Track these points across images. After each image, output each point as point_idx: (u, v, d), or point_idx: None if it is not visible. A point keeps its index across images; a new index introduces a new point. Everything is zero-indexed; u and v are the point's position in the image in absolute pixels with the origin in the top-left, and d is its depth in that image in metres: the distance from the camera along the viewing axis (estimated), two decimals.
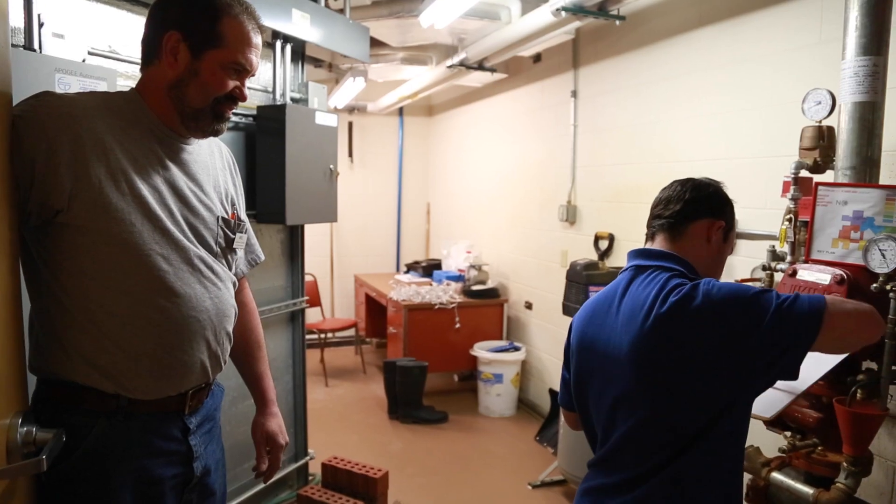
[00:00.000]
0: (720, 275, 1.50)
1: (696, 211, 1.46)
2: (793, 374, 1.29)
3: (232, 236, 1.49)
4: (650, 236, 1.50)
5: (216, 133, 1.42)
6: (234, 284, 1.52)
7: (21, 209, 1.21)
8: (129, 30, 2.37)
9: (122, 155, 1.28)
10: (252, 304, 1.74)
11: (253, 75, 1.42)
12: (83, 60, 2.18)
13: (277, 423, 1.69)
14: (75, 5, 2.20)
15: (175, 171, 1.37)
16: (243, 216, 1.59)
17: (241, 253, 1.59)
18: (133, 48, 2.36)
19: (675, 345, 1.30)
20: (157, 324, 1.31)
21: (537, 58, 4.85)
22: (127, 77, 2.33)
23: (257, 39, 1.39)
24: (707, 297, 1.28)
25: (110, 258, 1.26)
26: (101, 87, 2.16)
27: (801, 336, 1.26)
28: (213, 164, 1.51)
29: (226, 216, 1.48)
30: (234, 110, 1.43)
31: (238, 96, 1.39)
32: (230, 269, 1.51)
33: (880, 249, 1.78)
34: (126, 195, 1.26)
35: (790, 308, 1.27)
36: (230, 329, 1.48)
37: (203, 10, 1.32)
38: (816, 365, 1.59)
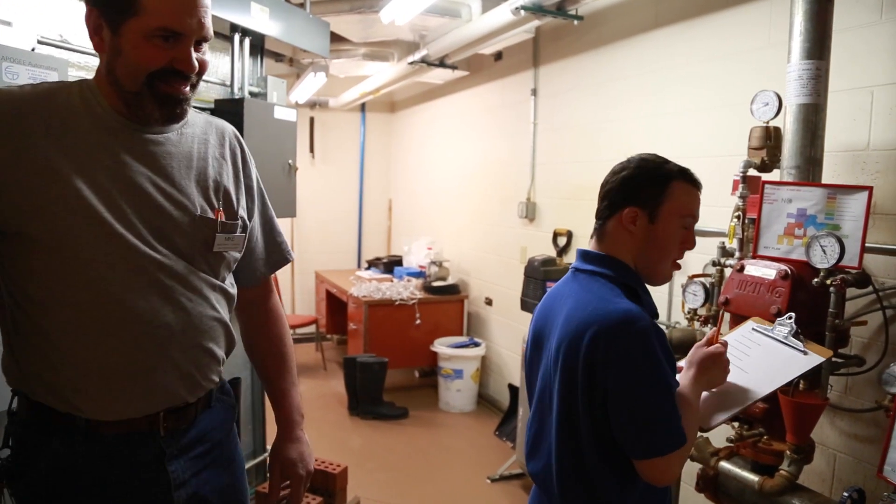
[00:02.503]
0: (666, 256, 1.41)
1: (610, 206, 1.41)
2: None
3: (214, 236, 1.27)
4: (591, 236, 1.49)
5: (174, 118, 1.22)
6: (221, 291, 1.31)
7: None
8: (81, 18, 2.32)
9: (59, 152, 1.12)
10: (276, 311, 1.54)
11: (204, 39, 1.18)
12: (32, 49, 2.13)
13: (299, 451, 1.47)
14: None
15: (134, 165, 1.17)
16: (244, 212, 1.36)
17: (234, 255, 1.35)
18: (85, 37, 2.30)
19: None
20: (106, 340, 1.15)
21: (498, 56, 4.89)
22: (79, 67, 2.28)
23: None
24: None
25: (50, 266, 1.12)
26: (52, 77, 2.11)
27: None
28: (201, 153, 1.29)
29: (208, 214, 1.26)
30: (190, 84, 1.20)
31: (184, 69, 1.15)
32: (216, 275, 1.30)
33: (821, 246, 1.85)
34: (62, 197, 1.11)
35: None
36: (211, 345, 1.28)
37: None
38: (770, 378, 1.60)
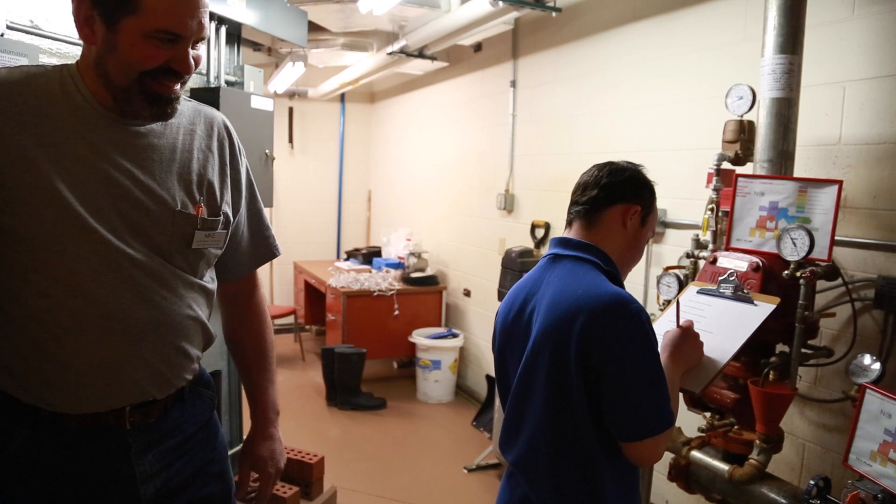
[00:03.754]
0: (637, 259, 1.51)
1: (612, 196, 1.44)
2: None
3: (193, 232, 1.23)
4: (568, 223, 1.50)
5: (163, 116, 1.18)
6: (198, 289, 1.28)
7: None
8: (53, 3, 2.28)
9: (33, 141, 1.09)
10: (259, 306, 1.52)
11: (202, 39, 1.16)
12: (1, 35, 2.09)
13: (271, 448, 1.46)
14: None
15: (112, 157, 1.15)
16: (228, 207, 1.33)
17: (214, 251, 1.32)
18: (56, 23, 2.26)
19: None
20: (74, 335, 1.14)
21: (478, 47, 4.88)
22: (51, 54, 2.24)
23: None
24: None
25: (21, 257, 1.10)
26: (22, 63, 2.08)
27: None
28: (186, 145, 1.25)
29: (188, 210, 1.23)
30: (181, 82, 1.17)
31: (180, 69, 1.13)
32: (195, 272, 1.27)
33: (792, 238, 1.88)
34: (35, 187, 1.08)
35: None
36: (185, 344, 1.26)
37: None
38: (734, 335, 1.65)
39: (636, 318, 1.29)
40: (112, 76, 1.12)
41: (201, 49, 1.19)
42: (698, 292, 1.86)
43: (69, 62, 1.19)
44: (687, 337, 1.52)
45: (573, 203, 1.49)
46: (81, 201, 1.12)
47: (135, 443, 1.22)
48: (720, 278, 1.82)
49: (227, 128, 1.37)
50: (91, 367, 1.16)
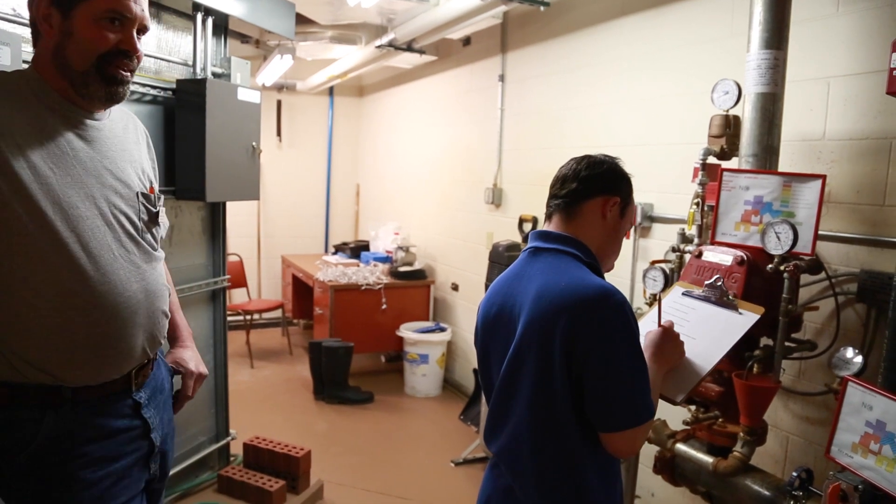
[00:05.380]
0: (617, 251, 1.52)
1: (591, 188, 1.45)
2: None
3: (154, 210, 1.45)
4: (548, 216, 1.51)
5: (116, 97, 1.34)
6: (160, 259, 1.49)
7: None
8: None
9: (25, 140, 1.22)
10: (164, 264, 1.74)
11: (144, 26, 1.34)
12: None
13: (191, 353, 1.68)
14: None
15: (86, 150, 1.32)
16: (157, 190, 1.55)
17: (164, 225, 1.56)
18: None
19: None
20: (86, 313, 1.27)
21: (467, 41, 4.88)
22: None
23: None
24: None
25: (25, 250, 1.22)
26: (4, 52, 2.05)
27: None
28: (126, 138, 1.46)
29: (145, 190, 1.44)
30: (130, 69, 1.34)
31: (128, 49, 1.31)
32: (156, 243, 1.48)
33: (776, 232, 1.90)
34: (33, 183, 1.21)
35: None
36: (164, 307, 1.46)
37: None
38: (718, 343, 1.66)
39: (619, 310, 1.30)
40: (71, 61, 1.28)
41: (143, 42, 1.37)
42: (683, 294, 1.86)
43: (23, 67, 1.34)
44: (668, 337, 1.54)
45: (552, 196, 1.50)
46: (73, 190, 1.27)
47: (141, 400, 1.42)
48: (706, 282, 1.82)
49: (142, 125, 1.60)
50: (105, 339, 1.31)
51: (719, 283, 1.78)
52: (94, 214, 1.30)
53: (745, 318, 1.70)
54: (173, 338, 1.71)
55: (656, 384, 1.46)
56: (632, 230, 3.15)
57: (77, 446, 1.30)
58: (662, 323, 1.56)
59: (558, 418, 1.34)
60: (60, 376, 1.28)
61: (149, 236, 1.44)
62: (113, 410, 1.37)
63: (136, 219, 1.39)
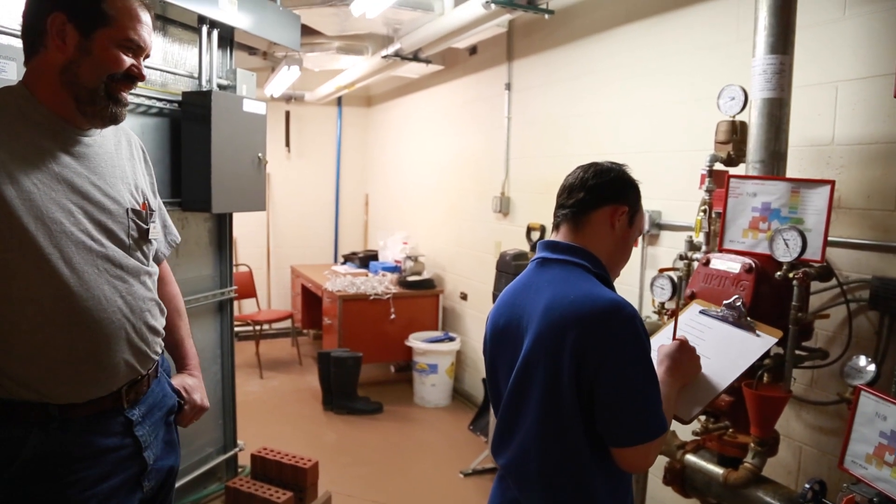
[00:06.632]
0: (626, 259, 1.50)
1: (599, 198, 1.43)
2: None
3: (146, 227, 1.46)
4: (556, 226, 1.49)
5: (115, 118, 1.39)
6: (151, 275, 1.49)
7: None
8: None
9: (7, 156, 1.23)
10: (170, 275, 1.75)
11: (148, 55, 1.41)
12: None
13: (197, 383, 1.69)
14: None
15: (74, 166, 1.33)
16: (153, 204, 1.56)
17: (161, 238, 1.61)
18: None
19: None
20: (68, 330, 1.28)
21: (473, 50, 4.88)
22: None
23: (146, 17, 1.38)
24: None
25: (7, 266, 1.22)
26: (11, 67, 2.07)
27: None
28: (119, 154, 1.47)
29: (136, 207, 1.45)
30: (131, 92, 1.41)
31: (136, 75, 1.37)
32: (146, 260, 1.48)
33: (784, 239, 1.87)
34: (15, 199, 1.21)
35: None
36: (153, 322, 1.45)
37: None
38: (733, 364, 1.63)
39: (629, 323, 1.28)
40: (82, 78, 1.31)
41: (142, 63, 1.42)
42: (700, 312, 1.83)
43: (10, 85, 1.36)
44: (684, 349, 1.51)
45: (559, 206, 1.48)
46: (57, 208, 1.27)
47: (133, 417, 1.41)
48: (725, 301, 1.78)
49: (138, 140, 1.62)
50: (88, 355, 1.30)
51: (738, 303, 1.74)
52: (79, 230, 1.30)
53: (763, 341, 1.67)
54: (182, 364, 1.72)
55: (671, 398, 1.43)
56: (640, 238, 3.12)
57: (65, 464, 1.29)
58: (677, 337, 1.54)
59: (567, 433, 1.32)
60: (45, 393, 1.27)
61: (139, 253, 1.44)
62: (102, 428, 1.35)
63: (123, 235, 1.40)
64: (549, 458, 1.34)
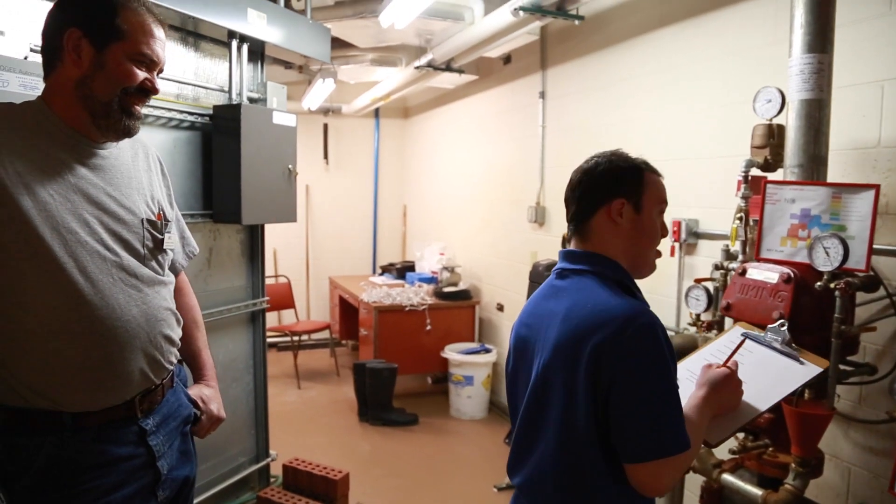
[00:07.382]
0: (653, 244, 1.39)
1: (589, 205, 1.37)
2: None
3: (161, 237, 1.48)
4: (568, 238, 1.44)
5: (128, 132, 1.40)
6: (167, 284, 1.50)
7: None
8: None
9: (25, 167, 1.25)
10: (187, 286, 1.76)
11: (161, 70, 1.43)
12: (25, 58, 2.13)
13: (214, 393, 1.69)
14: (16, 1, 2.15)
15: (90, 177, 1.35)
16: (170, 214, 1.58)
17: (178, 248, 1.62)
18: None
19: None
20: (82, 338, 1.29)
21: (507, 59, 4.84)
22: None
23: (159, 32, 1.40)
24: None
25: (23, 274, 1.24)
26: (41, 84, 2.11)
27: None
28: (135, 166, 1.49)
29: (152, 217, 1.46)
30: (145, 105, 1.43)
31: (149, 88, 1.39)
32: (162, 270, 1.49)
33: (825, 247, 1.77)
34: (32, 209, 1.24)
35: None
36: (168, 332, 1.46)
37: (100, 4, 1.34)
38: (771, 390, 1.53)
39: (646, 331, 1.22)
40: (96, 91, 1.33)
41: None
42: (742, 335, 1.73)
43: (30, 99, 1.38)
44: (730, 379, 1.42)
45: (567, 220, 1.43)
46: (73, 218, 1.29)
47: (147, 427, 1.41)
48: (769, 326, 1.68)
49: (155, 152, 1.63)
50: (102, 364, 1.32)
51: (783, 328, 1.64)
52: (94, 240, 1.31)
53: (806, 370, 1.55)
54: (199, 375, 1.72)
55: (701, 425, 1.34)
56: (677, 247, 3.02)
57: (77, 473, 1.30)
58: (730, 364, 1.44)
59: (583, 453, 1.25)
60: (59, 401, 1.28)
61: (154, 262, 1.46)
62: (116, 437, 1.36)
63: (138, 245, 1.41)
64: (565, 479, 1.28)
